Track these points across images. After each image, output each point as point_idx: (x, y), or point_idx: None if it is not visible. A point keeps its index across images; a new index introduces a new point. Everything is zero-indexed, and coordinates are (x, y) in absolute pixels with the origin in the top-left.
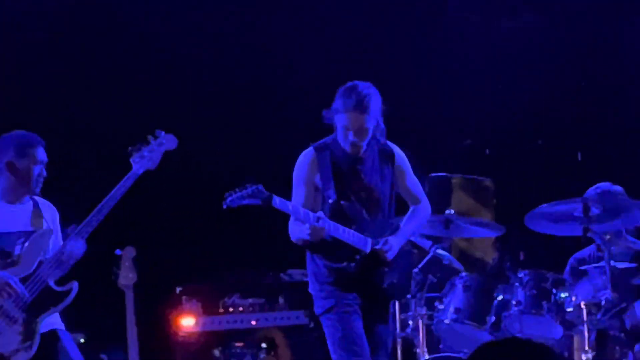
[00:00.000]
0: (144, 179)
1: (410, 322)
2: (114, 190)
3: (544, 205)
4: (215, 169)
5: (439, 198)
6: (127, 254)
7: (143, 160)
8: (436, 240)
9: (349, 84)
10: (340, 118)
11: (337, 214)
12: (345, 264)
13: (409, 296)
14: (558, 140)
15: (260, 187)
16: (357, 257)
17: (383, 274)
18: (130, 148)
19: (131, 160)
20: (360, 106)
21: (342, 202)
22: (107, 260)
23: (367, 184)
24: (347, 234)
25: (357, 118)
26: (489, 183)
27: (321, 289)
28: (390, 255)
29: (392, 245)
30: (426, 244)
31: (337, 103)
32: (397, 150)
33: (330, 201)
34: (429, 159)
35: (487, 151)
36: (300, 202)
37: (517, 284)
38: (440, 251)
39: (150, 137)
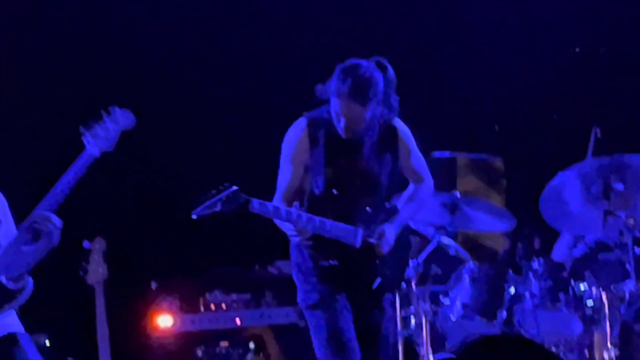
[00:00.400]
0: (114, 162)
1: (413, 319)
2: (65, 175)
3: (555, 182)
4: (194, 151)
5: (444, 181)
6: (97, 246)
7: (97, 140)
8: (440, 227)
9: (350, 62)
10: (333, 102)
11: (326, 204)
12: (333, 261)
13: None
14: (574, 114)
15: (236, 189)
16: (347, 252)
17: (375, 267)
18: (82, 127)
19: (84, 140)
20: (357, 94)
21: (333, 190)
22: (74, 254)
23: (363, 169)
24: (335, 230)
25: (351, 107)
26: (499, 163)
27: (305, 280)
28: (385, 249)
29: (388, 236)
30: (429, 231)
31: (332, 83)
32: (400, 126)
33: (317, 192)
34: (430, 136)
35: (496, 127)
36: (285, 182)
37: (531, 274)
38: (444, 239)
39: (104, 114)
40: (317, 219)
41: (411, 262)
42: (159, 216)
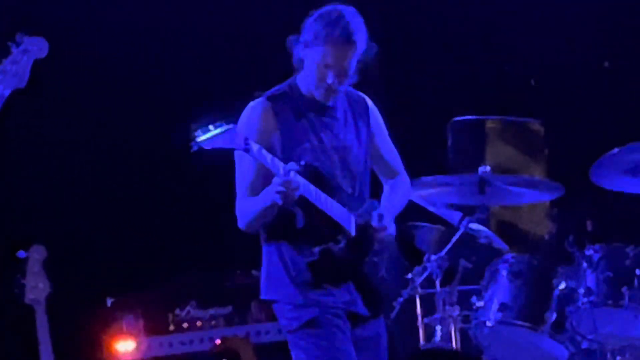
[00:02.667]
0: (51, 148)
1: (439, 328)
2: None
3: (616, 150)
4: (155, 130)
5: (470, 151)
6: (35, 256)
7: (6, 76)
8: (468, 211)
9: (329, 7)
10: (316, 52)
11: (311, 178)
12: (323, 248)
13: (437, 289)
14: (632, 62)
15: (236, 128)
16: (341, 239)
17: (373, 264)
18: None
19: None
20: (348, 37)
21: (315, 164)
22: (8, 266)
23: (341, 141)
24: (328, 204)
25: (342, 53)
26: (538, 126)
27: (294, 294)
28: (388, 235)
29: (389, 220)
30: (454, 216)
31: (313, 32)
32: (369, 101)
33: (302, 162)
34: (452, 96)
35: (533, 81)
36: (250, 175)
37: (585, 264)
38: (474, 226)
39: (11, 45)
40: (312, 186)
41: (433, 257)
42: (112, 214)
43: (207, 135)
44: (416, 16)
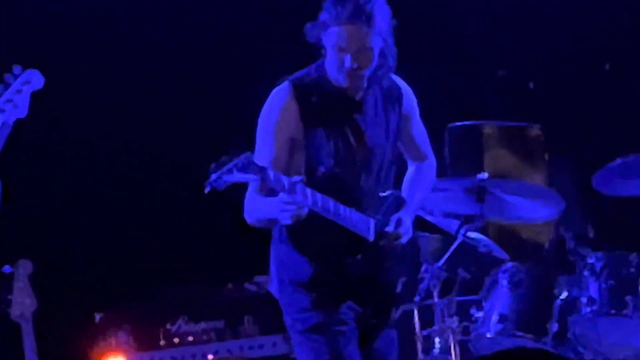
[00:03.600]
0: (38, 160)
1: (438, 340)
2: None
3: (619, 161)
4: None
5: (467, 157)
6: (21, 271)
7: (8, 105)
8: (466, 219)
9: None
10: (331, 34)
11: (329, 188)
12: (342, 261)
13: (435, 300)
14: (632, 65)
15: (249, 154)
16: (360, 249)
17: (389, 269)
18: None
19: None
20: (361, 14)
21: (337, 170)
22: None
23: (367, 141)
24: (345, 215)
25: (356, 33)
26: (537, 131)
27: (300, 293)
28: (405, 238)
29: (406, 224)
30: (452, 225)
31: (327, 11)
32: (404, 87)
33: (322, 169)
34: (449, 101)
35: (531, 85)
36: (267, 160)
37: (587, 273)
38: (473, 234)
39: (8, 77)
40: (331, 201)
41: (430, 267)
42: (100, 228)
43: (220, 173)
44: (412, 21)
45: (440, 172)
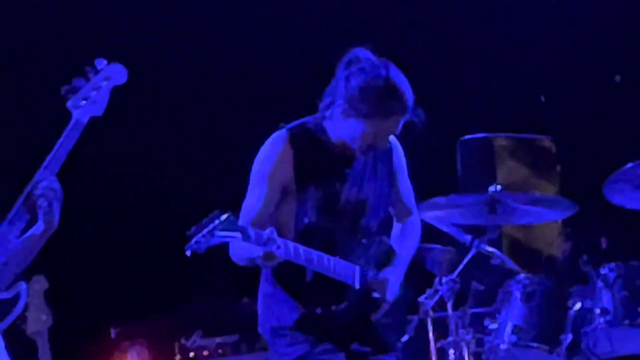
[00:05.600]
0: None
1: (452, 352)
2: (50, 155)
3: (630, 165)
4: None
5: (479, 170)
6: (36, 287)
7: (86, 102)
8: (479, 232)
9: (374, 73)
10: (365, 125)
11: (313, 237)
12: (326, 308)
13: (449, 312)
14: None
15: (229, 215)
16: (345, 295)
17: (376, 317)
18: (63, 89)
19: (69, 105)
20: (404, 107)
21: (321, 222)
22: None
23: (355, 195)
24: (329, 265)
25: (396, 122)
26: (549, 143)
27: (284, 334)
28: (390, 297)
29: (392, 283)
30: (465, 238)
31: (362, 103)
32: (394, 142)
33: (306, 220)
34: (460, 114)
35: (543, 97)
36: (256, 207)
37: (600, 284)
38: (486, 247)
39: (89, 71)
40: (301, 249)
41: (444, 279)
42: (116, 244)
43: (201, 236)
44: (423, 34)
45: (453, 185)
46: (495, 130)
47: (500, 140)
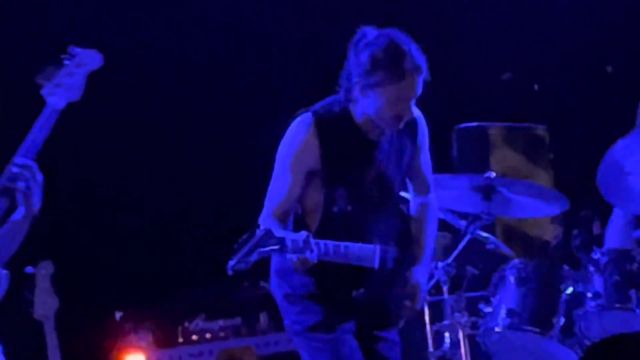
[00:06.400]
0: (59, 164)
1: (447, 335)
2: (25, 142)
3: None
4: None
5: (475, 158)
6: (43, 271)
7: (60, 89)
8: (474, 217)
9: (382, 40)
10: (385, 92)
11: (340, 223)
12: (346, 291)
13: (445, 296)
14: (636, 65)
15: (267, 229)
16: (364, 281)
17: (393, 296)
18: (38, 77)
19: (42, 93)
20: (418, 67)
21: (350, 208)
22: (15, 282)
23: (381, 173)
24: (350, 252)
25: (413, 84)
26: (542, 132)
27: (295, 302)
28: (420, 302)
29: (423, 287)
30: (460, 223)
31: (378, 72)
32: (419, 116)
33: (335, 210)
34: (455, 103)
35: (536, 86)
36: (281, 194)
37: (592, 268)
38: (481, 232)
39: (64, 57)
40: (331, 245)
41: (440, 264)
42: (120, 229)
43: (241, 256)
44: (418, 24)
45: (448, 172)
46: (490, 119)
47: (495, 129)
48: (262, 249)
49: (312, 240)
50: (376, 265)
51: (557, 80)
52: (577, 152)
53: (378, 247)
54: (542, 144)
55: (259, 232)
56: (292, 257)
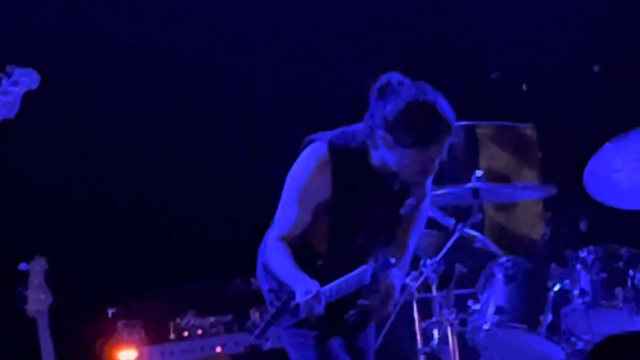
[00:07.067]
0: (51, 161)
1: (436, 332)
2: None
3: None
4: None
5: (462, 157)
6: (36, 268)
7: None
8: (463, 215)
9: (413, 101)
10: (410, 154)
11: (348, 251)
12: (342, 313)
13: (434, 293)
14: (623, 65)
15: (286, 299)
16: (359, 303)
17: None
18: None
19: None
20: (447, 130)
21: (356, 239)
22: (8, 279)
23: (391, 208)
24: (350, 283)
25: (441, 147)
26: (530, 131)
27: (283, 297)
28: (391, 306)
29: (396, 285)
30: (448, 221)
31: (404, 134)
32: None
33: (342, 239)
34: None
35: (524, 86)
36: (289, 222)
37: (579, 266)
38: (469, 230)
39: (1, 77)
40: (335, 287)
41: (429, 262)
42: (112, 225)
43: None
44: (407, 25)
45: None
46: (478, 118)
47: (483, 128)
48: (281, 317)
49: (322, 296)
50: (368, 280)
51: (545, 80)
52: (565, 151)
53: (370, 265)
54: (529, 143)
55: (278, 309)
56: (302, 313)
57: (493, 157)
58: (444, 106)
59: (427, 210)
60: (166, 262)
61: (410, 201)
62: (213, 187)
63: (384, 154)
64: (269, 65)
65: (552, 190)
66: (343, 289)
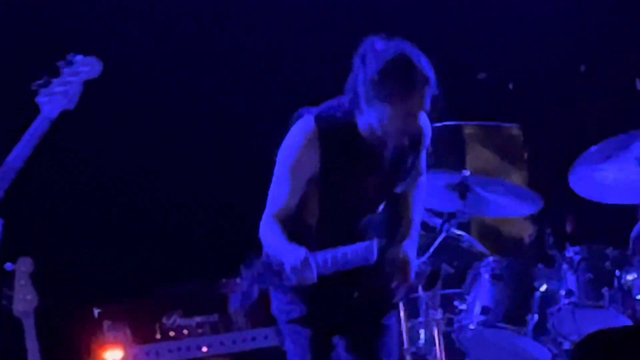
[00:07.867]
0: (39, 160)
1: (422, 332)
2: (17, 147)
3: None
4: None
5: (448, 157)
6: (22, 268)
7: (55, 97)
8: (449, 215)
9: (389, 54)
10: (390, 109)
11: (340, 225)
12: (345, 293)
13: (420, 293)
14: (609, 65)
15: (265, 261)
16: (361, 281)
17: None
18: (34, 84)
19: (38, 100)
20: (426, 80)
21: (347, 212)
22: None
23: (381, 182)
24: (349, 257)
25: (421, 99)
26: (516, 131)
27: (287, 291)
28: (411, 276)
29: (411, 256)
30: (435, 222)
31: (384, 88)
32: (426, 128)
33: (334, 214)
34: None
35: (511, 86)
36: (281, 199)
37: (565, 266)
38: (455, 231)
39: (61, 65)
40: (329, 257)
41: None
42: (98, 225)
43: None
44: (391, 22)
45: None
46: (464, 117)
47: (469, 128)
48: (262, 285)
49: (312, 261)
50: (374, 258)
51: (531, 79)
52: (551, 151)
53: (375, 242)
54: (516, 143)
55: (255, 268)
56: (292, 279)
57: (479, 157)
58: (422, 59)
59: (425, 187)
60: (152, 262)
61: (406, 181)
62: (199, 187)
63: (368, 117)
64: (265, 70)
65: (539, 204)
66: (340, 263)
